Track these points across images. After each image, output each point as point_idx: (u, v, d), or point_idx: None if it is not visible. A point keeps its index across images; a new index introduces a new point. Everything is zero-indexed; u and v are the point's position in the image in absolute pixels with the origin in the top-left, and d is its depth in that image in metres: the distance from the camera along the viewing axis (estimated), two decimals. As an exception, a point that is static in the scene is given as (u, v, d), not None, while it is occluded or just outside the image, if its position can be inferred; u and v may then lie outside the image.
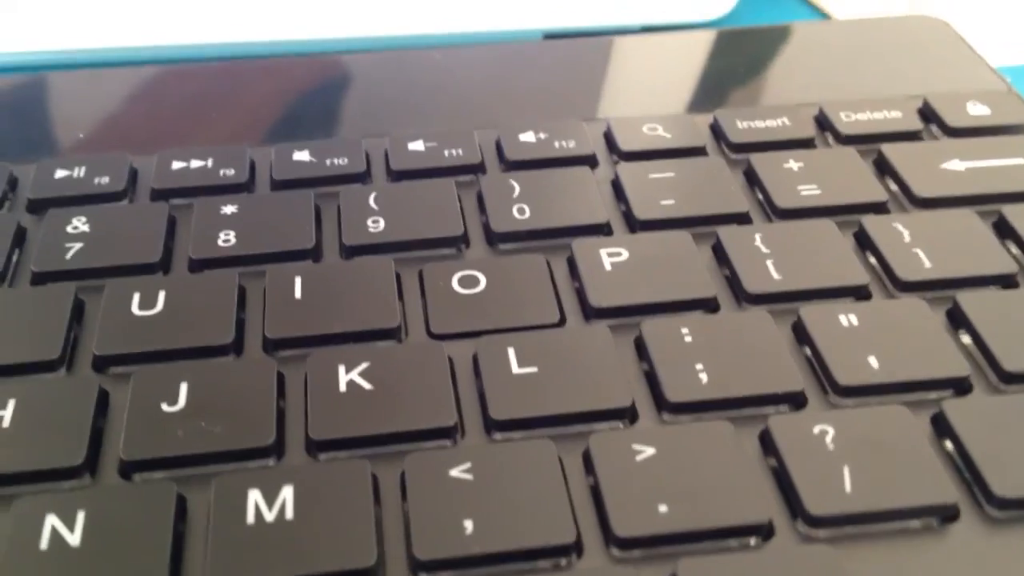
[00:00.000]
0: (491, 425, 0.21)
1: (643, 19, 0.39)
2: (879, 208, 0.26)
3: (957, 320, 0.23)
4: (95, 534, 0.19)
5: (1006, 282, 0.24)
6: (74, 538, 0.18)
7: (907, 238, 0.25)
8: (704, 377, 0.21)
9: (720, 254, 0.25)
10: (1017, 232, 0.25)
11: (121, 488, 0.20)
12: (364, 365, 0.22)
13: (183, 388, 0.21)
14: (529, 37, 0.39)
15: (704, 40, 0.35)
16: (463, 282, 0.24)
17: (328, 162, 0.28)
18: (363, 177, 0.28)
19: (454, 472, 0.19)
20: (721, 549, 0.19)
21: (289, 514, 0.19)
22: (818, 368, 0.22)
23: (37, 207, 0.27)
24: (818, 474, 0.19)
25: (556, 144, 0.28)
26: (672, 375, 0.21)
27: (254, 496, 0.19)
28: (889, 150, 0.28)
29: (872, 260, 0.25)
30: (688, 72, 0.34)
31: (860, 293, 0.24)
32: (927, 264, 0.24)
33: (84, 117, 0.31)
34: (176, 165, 0.28)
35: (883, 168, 0.28)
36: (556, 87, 0.33)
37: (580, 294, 0.24)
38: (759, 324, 0.23)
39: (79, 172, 0.27)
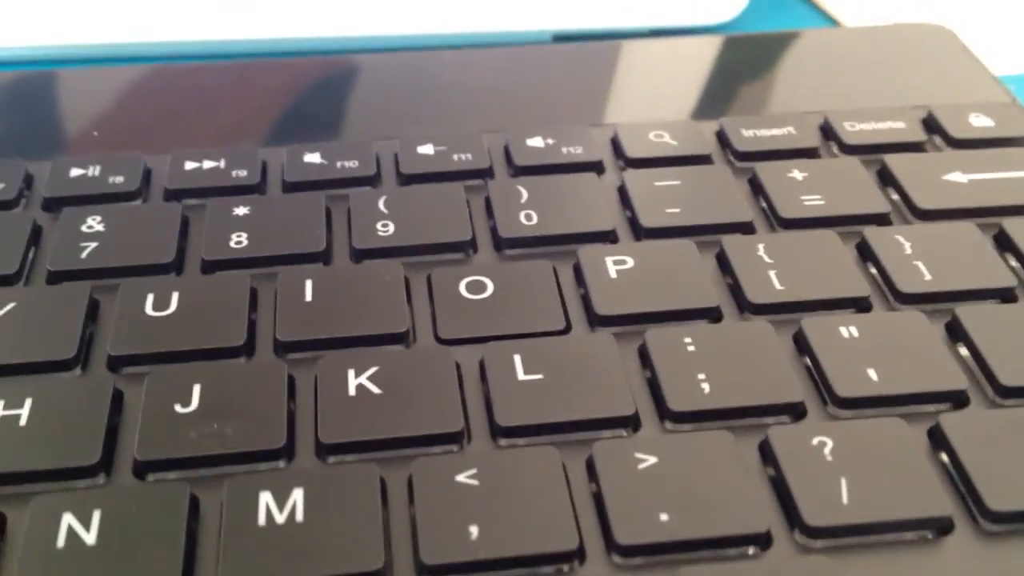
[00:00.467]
0: (497, 431, 0.21)
1: (652, 22, 0.40)
2: (881, 219, 0.27)
3: (956, 333, 0.23)
4: (110, 533, 0.19)
5: (1005, 296, 0.24)
6: (90, 537, 0.19)
7: (908, 250, 0.25)
8: (706, 387, 0.22)
9: (724, 263, 0.25)
10: (1017, 246, 0.25)
11: (135, 488, 0.20)
12: (373, 369, 0.22)
13: (196, 389, 0.22)
14: (538, 38, 0.40)
15: (712, 45, 0.35)
16: (471, 287, 0.24)
17: (339, 164, 0.28)
18: (373, 180, 0.28)
19: (460, 477, 0.20)
20: (720, 558, 0.19)
21: (300, 516, 0.19)
22: (818, 379, 0.22)
23: (52, 205, 0.27)
24: (816, 485, 0.20)
25: (564, 150, 0.29)
26: (675, 384, 0.22)
27: (265, 498, 0.20)
28: (892, 161, 0.28)
29: (873, 271, 0.25)
30: (696, 77, 0.34)
31: (861, 304, 0.24)
32: (927, 276, 0.24)
33: (98, 115, 0.31)
34: (189, 165, 0.28)
35: (886, 179, 0.28)
36: (565, 90, 0.33)
37: (585, 301, 0.24)
38: (760, 334, 0.23)
39: (94, 171, 0.28)
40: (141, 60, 0.36)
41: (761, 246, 0.25)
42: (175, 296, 0.24)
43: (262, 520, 0.19)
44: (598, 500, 0.20)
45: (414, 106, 0.32)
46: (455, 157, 0.28)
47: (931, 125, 0.30)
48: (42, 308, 0.24)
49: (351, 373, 0.22)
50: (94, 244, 0.25)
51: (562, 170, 0.28)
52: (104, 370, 0.23)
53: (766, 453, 0.21)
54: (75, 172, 0.28)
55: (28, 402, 0.21)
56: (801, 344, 0.23)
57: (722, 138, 0.30)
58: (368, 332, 0.23)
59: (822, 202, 0.27)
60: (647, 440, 0.21)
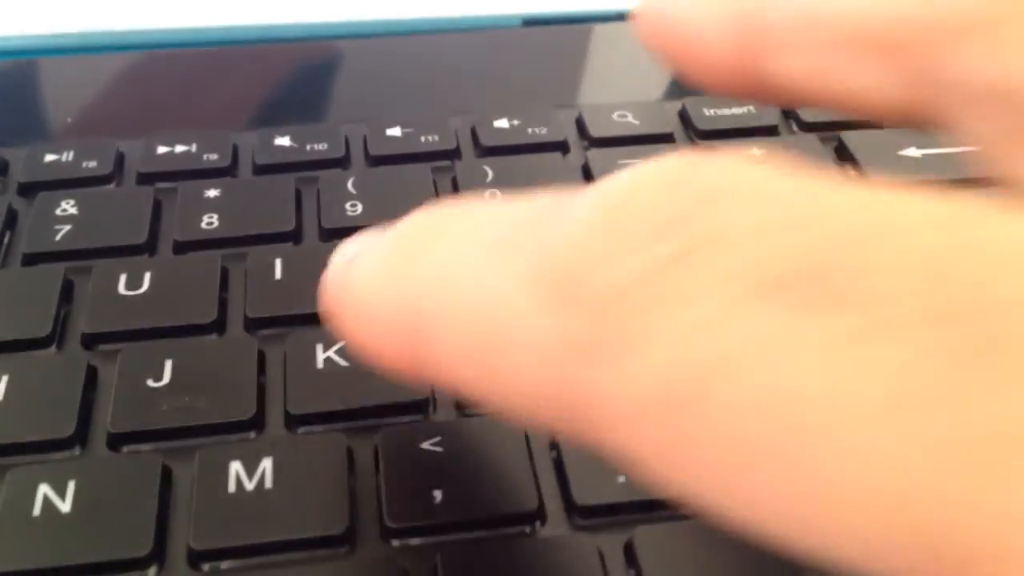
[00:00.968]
0: (460, 400, 0.22)
1: (621, 4, 0.40)
2: (837, 194, 0.27)
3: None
4: (85, 502, 0.20)
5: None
6: (65, 506, 0.20)
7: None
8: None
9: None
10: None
11: (109, 459, 0.21)
12: (340, 343, 0.23)
13: (168, 365, 0.22)
14: (509, 22, 0.40)
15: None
16: (437, 264, 0.25)
17: (309, 147, 0.29)
18: (342, 162, 0.29)
19: (425, 445, 0.21)
20: (674, 517, 0.20)
21: (268, 484, 0.20)
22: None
23: (27, 190, 0.27)
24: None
25: (529, 131, 0.30)
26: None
27: (235, 467, 0.20)
28: (848, 137, 0.29)
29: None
30: (661, 59, 0.35)
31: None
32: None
33: (73, 102, 0.32)
34: (161, 150, 0.29)
35: (843, 155, 0.29)
36: (533, 74, 0.34)
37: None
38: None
39: (68, 156, 0.28)
40: (115, 49, 0.36)
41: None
42: (147, 276, 0.24)
43: (232, 488, 0.20)
44: (558, 465, 0.21)
45: (385, 91, 0.33)
46: (423, 139, 0.29)
47: (888, 103, 0.31)
48: (18, 289, 0.24)
49: (319, 347, 0.23)
50: (68, 227, 0.26)
51: (527, 150, 0.29)
52: (79, 347, 0.23)
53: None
54: (49, 158, 0.28)
55: (5, 379, 0.22)
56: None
57: (684, 118, 0.30)
58: (336, 308, 0.24)
59: (780, 178, 0.27)
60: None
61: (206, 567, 0.19)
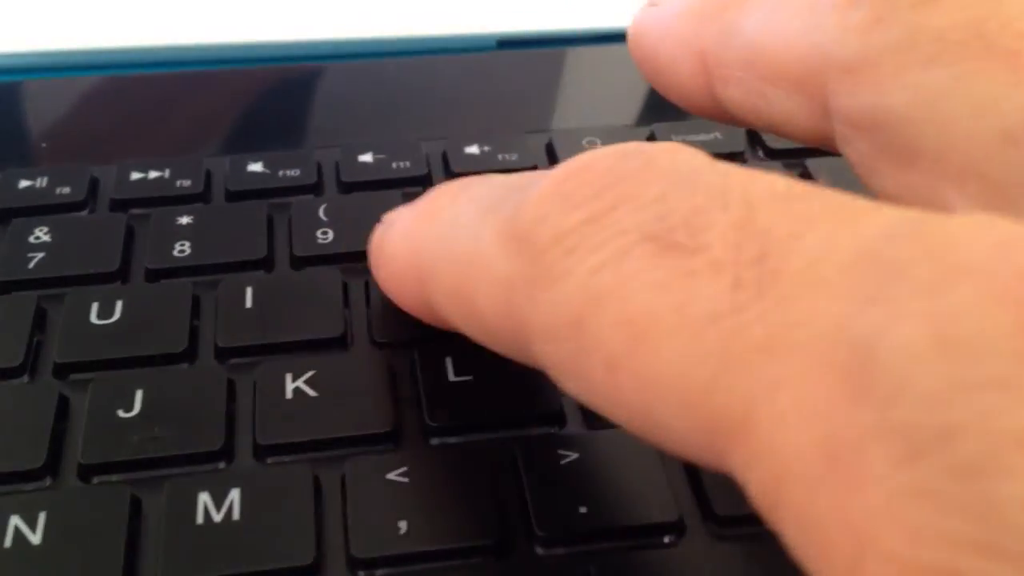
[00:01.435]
0: (428, 431, 0.22)
1: (596, 25, 0.41)
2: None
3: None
4: (55, 534, 0.20)
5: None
6: (36, 537, 0.20)
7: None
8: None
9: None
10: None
11: (80, 490, 0.21)
12: (310, 373, 0.23)
13: (138, 395, 0.22)
14: (483, 42, 0.41)
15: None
16: (406, 292, 0.25)
17: (281, 173, 0.29)
18: (315, 188, 0.29)
19: (391, 475, 0.21)
20: (641, 547, 0.20)
21: (236, 515, 0.20)
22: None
23: (2, 217, 0.28)
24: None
25: (500, 156, 0.30)
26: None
27: (203, 498, 0.20)
28: (813, 164, 0.29)
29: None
30: (638, 84, 0.35)
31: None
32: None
33: (46, 127, 0.32)
34: (135, 175, 0.29)
35: (808, 179, 0.29)
36: (507, 98, 0.34)
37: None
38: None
39: (41, 182, 0.28)
40: (88, 70, 0.37)
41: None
42: (119, 304, 0.25)
43: (200, 519, 0.20)
44: (521, 496, 0.21)
45: (359, 115, 0.33)
46: (394, 165, 0.29)
47: (853, 129, 0.31)
48: (-10, 317, 0.24)
49: (288, 377, 0.23)
50: (41, 255, 0.26)
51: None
52: (50, 377, 0.23)
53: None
54: (23, 184, 0.28)
55: (-24, 409, 0.22)
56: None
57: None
58: (306, 337, 0.24)
59: (745, 205, 0.28)
60: (569, 437, 0.22)
61: (175, 598, 0.19)
